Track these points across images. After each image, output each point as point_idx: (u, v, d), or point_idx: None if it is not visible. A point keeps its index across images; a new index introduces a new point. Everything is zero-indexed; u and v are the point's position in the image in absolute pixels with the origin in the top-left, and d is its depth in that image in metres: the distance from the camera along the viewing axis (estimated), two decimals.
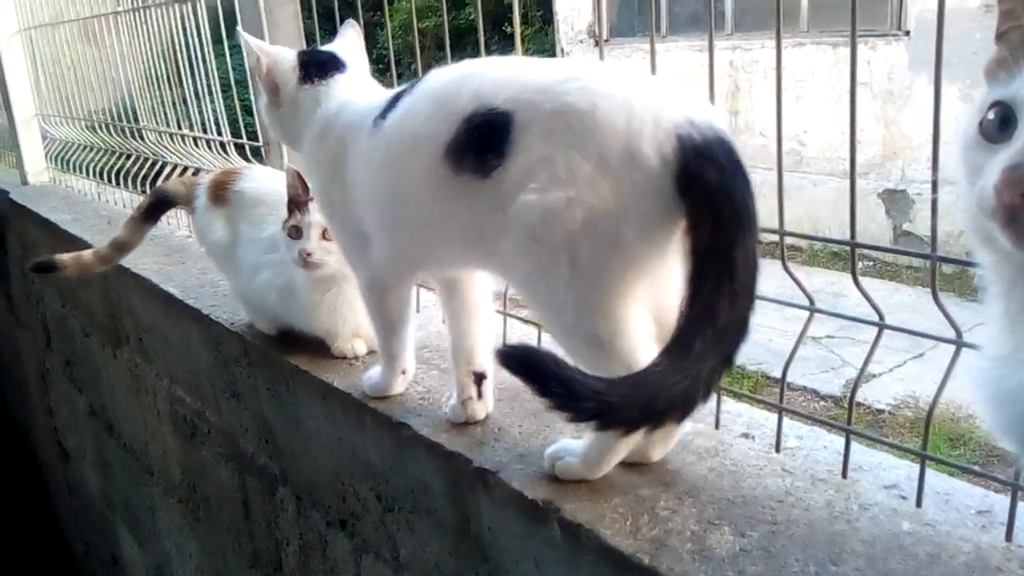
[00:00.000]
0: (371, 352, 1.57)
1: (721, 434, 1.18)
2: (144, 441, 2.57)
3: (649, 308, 0.98)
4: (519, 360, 0.85)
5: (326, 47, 1.39)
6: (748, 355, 4.48)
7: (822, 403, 4.87)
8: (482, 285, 1.27)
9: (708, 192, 0.89)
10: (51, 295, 3.21)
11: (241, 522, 2.02)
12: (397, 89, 1.18)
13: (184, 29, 2.38)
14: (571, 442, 1.11)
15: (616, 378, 0.88)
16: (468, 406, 1.28)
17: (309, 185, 1.46)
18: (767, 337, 5.39)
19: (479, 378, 1.28)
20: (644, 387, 0.86)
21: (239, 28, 1.72)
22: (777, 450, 1.12)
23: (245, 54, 1.38)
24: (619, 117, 0.91)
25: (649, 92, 0.94)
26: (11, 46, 3.65)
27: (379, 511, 1.42)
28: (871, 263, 6.60)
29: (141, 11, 2.61)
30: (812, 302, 1.10)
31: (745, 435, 1.17)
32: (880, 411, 4.71)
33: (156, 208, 1.97)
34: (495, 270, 1.12)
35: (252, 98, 1.97)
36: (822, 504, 1.01)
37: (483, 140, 0.99)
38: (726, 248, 0.88)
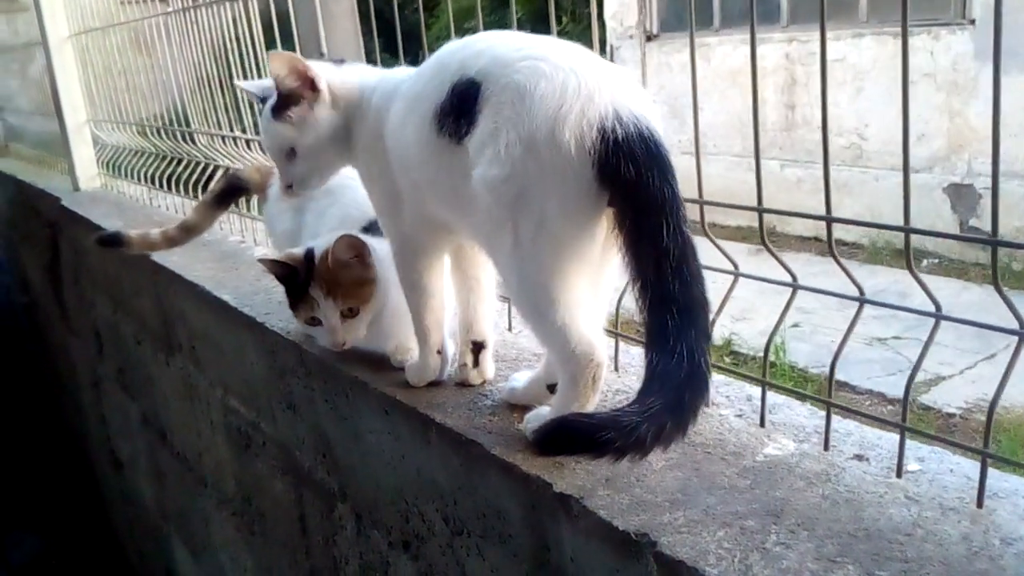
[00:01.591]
0: None
1: (831, 456, 1.06)
2: (198, 451, 2.51)
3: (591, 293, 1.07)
4: (551, 439, 0.96)
5: None
6: (811, 357, 4.35)
7: (889, 407, 4.67)
8: (484, 261, 1.31)
9: (626, 186, 0.95)
10: (103, 302, 3.18)
11: (298, 538, 1.94)
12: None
13: (236, 29, 2.32)
14: (544, 409, 1.17)
15: (638, 398, 0.93)
16: (463, 371, 1.38)
17: (359, 171, 1.37)
18: (830, 339, 5.25)
19: (477, 347, 1.37)
20: (662, 386, 0.91)
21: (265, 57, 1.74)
22: (898, 475, 1.00)
23: (279, 76, 1.29)
24: (552, 101, 0.96)
25: (588, 78, 0.97)
26: (63, 52, 3.64)
27: (447, 534, 1.32)
28: (936, 260, 6.36)
29: (192, 11, 2.55)
30: (939, 307, 0.97)
31: (858, 457, 1.05)
32: (951, 415, 4.50)
33: (228, 193, 1.94)
34: (471, 235, 1.17)
35: None
36: (957, 538, 0.88)
37: (460, 107, 1.05)
38: (653, 233, 0.94)
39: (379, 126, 1.26)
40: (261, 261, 1.45)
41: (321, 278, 1.39)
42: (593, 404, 1.09)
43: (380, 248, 1.42)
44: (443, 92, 1.08)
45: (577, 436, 0.93)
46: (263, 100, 1.36)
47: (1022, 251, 5.89)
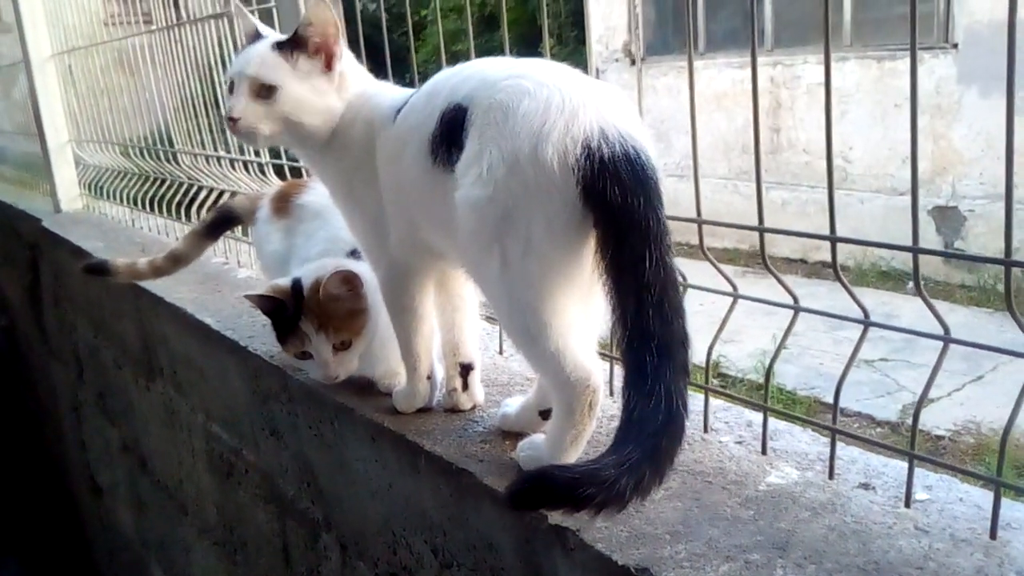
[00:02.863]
0: None
1: (836, 485, 1.02)
2: (178, 478, 2.45)
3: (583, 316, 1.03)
4: (529, 494, 0.91)
5: None
6: (799, 379, 4.35)
7: (879, 430, 4.65)
8: (467, 280, 1.25)
9: (610, 210, 0.92)
10: (84, 325, 3.12)
11: (281, 569, 1.88)
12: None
13: (220, 47, 2.28)
14: (537, 437, 1.14)
15: (616, 446, 0.90)
16: (453, 396, 1.35)
17: (332, 183, 1.32)
18: (818, 361, 5.24)
19: (465, 369, 1.33)
20: (640, 433, 0.89)
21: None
22: (907, 504, 0.96)
23: (310, 23, 1.21)
24: (535, 117, 0.93)
25: (573, 95, 0.95)
26: (45, 72, 3.59)
27: (435, 567, 1.28)
28: (921, 282, 6.36)
29: (176, 29, 2.51)
30: (947, 330, 0.94)
31: (864, 486, 1.01)
32: (940, 437, 4.49)
33: (220, 224, 1.91)
34: (460, 261, 1.13)
35: None
36: (970, 571, 0.85)
37: (449, 134, 1.03)
38: (635, 264, 0.91)
39: (368, 143, 1.21)
40: (247, 297, 1.39)
41: (312, 312, 1.34)
42: (590, 432, 1.06)
43: (369, 275, 1.37)
44: (434, 121, 1.07)
45: (556, 491, 0.88)
46: (256, 37, 1.28)
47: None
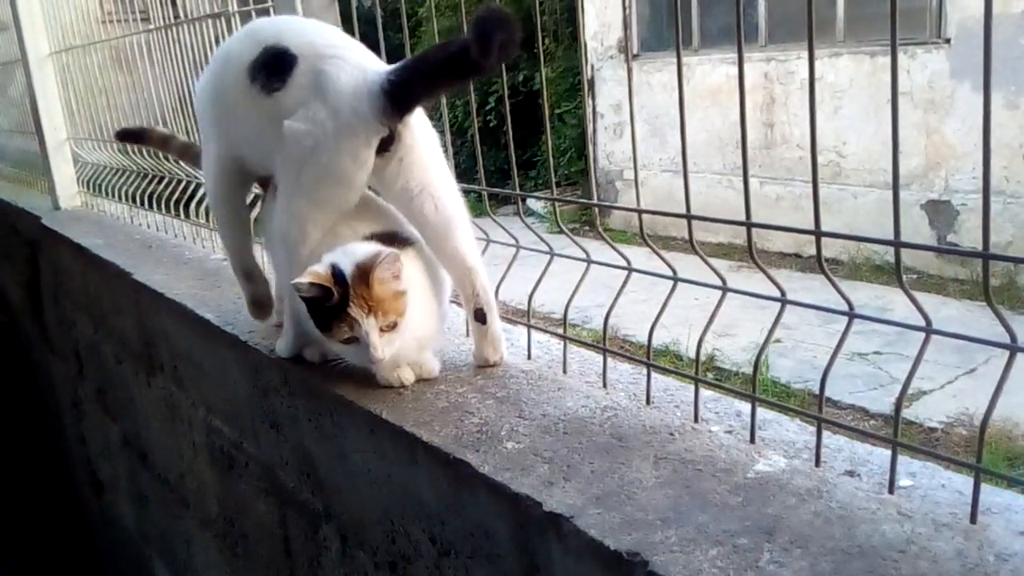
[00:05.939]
0: (419, 380, 1.47)
1: (822, 472, 1.05)
2: (179, 472, 2.47)
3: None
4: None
5: None
6: (793, 373, 4.37)
7: (872, 422, 4.69)
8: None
9: (404, 90, 1.31)
10: (83, 321, 3.14)
11: (281, 560, 1.91)
12: None
13: (218, 46, 2.30)
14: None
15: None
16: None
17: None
18: (811, 354, 5.26)
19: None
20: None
21: None
22: (891, 491, 0.99)
23: None
24: (350, 84, 1.33)
25: (368, 65, 1.37)
26: (43, 70, 3.61)
27: (433, 555, 1.31)
28: (915, 276, 6.41)
29: (173, 28, 2.53)
30: (929, 322, 0.97)
31: (850, 473, 1.04)
32: (933, 429, 4.53)
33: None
34: (272, 166, 1.46)
35: None
36: (952, 555, 0.88)
37: (273, 66, 1.39)
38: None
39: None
40: (295, 286, 1.36)
41: (361, 298, 1.33)
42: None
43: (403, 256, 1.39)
44: (255, 51, 1.41)
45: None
46: None
47: (997, 268, 5.95)
